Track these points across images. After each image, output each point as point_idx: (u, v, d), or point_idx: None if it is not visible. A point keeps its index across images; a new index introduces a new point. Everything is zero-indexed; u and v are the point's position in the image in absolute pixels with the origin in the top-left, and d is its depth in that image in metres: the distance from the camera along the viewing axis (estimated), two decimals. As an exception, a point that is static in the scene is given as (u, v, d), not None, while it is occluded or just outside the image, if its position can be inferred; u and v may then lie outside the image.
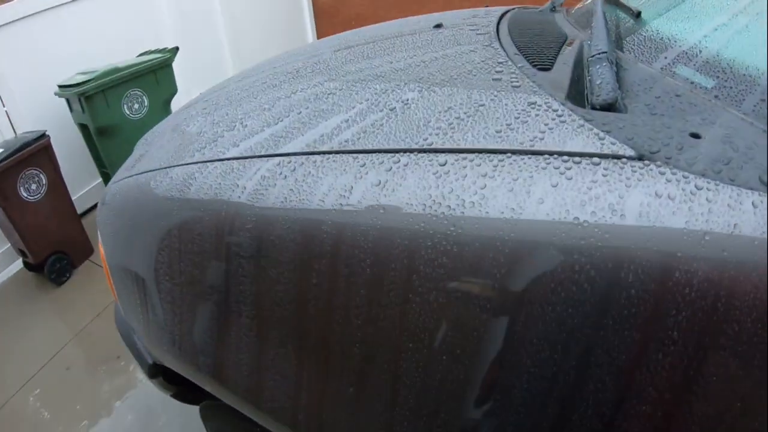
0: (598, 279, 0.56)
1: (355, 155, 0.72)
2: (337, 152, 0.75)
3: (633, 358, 0.56)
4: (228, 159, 0.85)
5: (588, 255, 0.56)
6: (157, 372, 1.16)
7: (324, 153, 0.76)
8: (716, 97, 0.71)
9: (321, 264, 0.69)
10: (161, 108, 3.60)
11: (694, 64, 0.77)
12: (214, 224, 0.79)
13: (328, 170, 0.72)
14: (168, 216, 0.87)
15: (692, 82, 0.74)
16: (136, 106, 3.43)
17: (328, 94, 0.92)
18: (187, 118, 1.19)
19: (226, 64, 4.85)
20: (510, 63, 0.85)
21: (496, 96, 0.75)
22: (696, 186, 0.57)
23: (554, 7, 1.33)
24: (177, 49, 3.67)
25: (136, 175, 1.02)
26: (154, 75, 3.50)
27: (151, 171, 0.98)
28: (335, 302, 0.69)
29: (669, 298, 0.54)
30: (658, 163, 0.60)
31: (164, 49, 3.69)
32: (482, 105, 0.73)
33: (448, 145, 0.68)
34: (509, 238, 0.59)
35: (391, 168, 0.68)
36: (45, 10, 3.45)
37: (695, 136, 0.64)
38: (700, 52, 0.78)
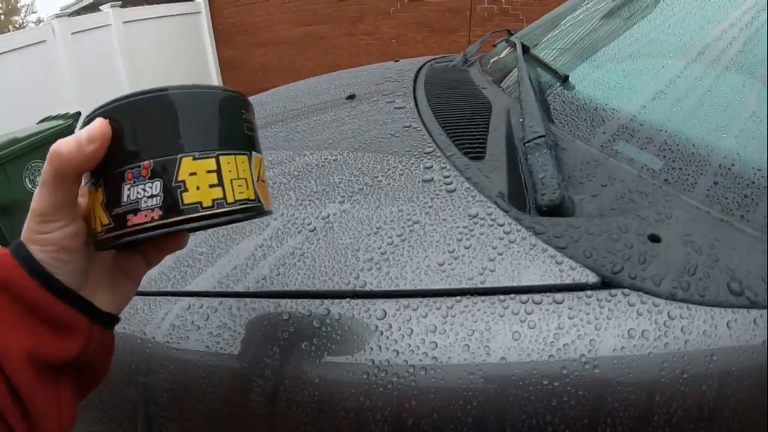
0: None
1: (276, 302, 0.61)
2: (254, 295, 0.63)
3: None
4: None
5: (560, 413, 0.48)
6: None
7: (240, 296, 0.64)
8: (666, 181, 0.64)
9: None
10: (65, 180, 3.30)
11: (637, 141, 0.70)
12: (123, 376, 0.65)
13: (245, 321, 0.61)
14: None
15: (638, 164, 0.68)
16: (39, 179, 3.11)
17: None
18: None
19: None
20: (438, 152, 0.76)
21: (430, 209, 0.65)
22: (669, 315, 0.50)
23: (467, 60, 1.25)
24: (79, 114, 3.41)
25: None
26: (57, 144, 3.20)
27: None
28: None
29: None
30: (626, 291, 0.52)
31: (65, 114, 3.42)
32: (416, 222, 0.64)
33: (384, 286, 0.57)
34: (471, 406, 0.50)
35: (321, 325, 0.57)
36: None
37: (654, 239, 0.57)
38: (641, 125, 0.71)
